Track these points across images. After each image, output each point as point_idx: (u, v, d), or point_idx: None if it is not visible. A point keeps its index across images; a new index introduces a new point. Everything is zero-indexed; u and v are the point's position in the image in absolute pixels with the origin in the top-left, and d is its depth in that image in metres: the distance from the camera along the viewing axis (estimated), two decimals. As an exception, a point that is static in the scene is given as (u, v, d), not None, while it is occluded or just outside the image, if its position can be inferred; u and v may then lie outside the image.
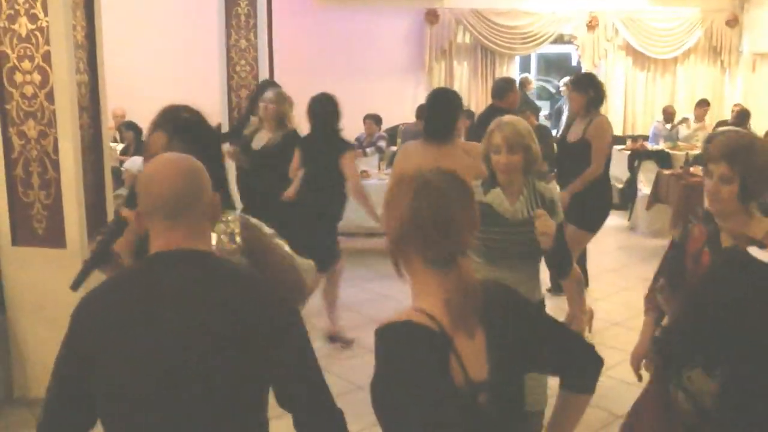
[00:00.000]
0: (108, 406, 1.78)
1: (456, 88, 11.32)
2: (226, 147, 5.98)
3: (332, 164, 5.39)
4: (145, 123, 3.09)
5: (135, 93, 7.50)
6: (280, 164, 5.72)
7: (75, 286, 2.15)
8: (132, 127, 8.87)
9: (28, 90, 4.48)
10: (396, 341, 1.73)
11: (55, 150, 4.49)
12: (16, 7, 4.41)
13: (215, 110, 7.80)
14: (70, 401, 1.80)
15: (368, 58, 11.12)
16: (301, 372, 1.86)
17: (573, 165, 5.83)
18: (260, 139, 6.10)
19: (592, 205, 5.82)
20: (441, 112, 4.58)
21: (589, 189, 5.76)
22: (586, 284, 6.72)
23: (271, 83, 7.23)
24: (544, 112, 13.04)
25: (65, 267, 4.54)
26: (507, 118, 3.28)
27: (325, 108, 5.51)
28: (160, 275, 1.81)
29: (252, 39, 8.36)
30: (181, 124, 2.56)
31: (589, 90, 5.79)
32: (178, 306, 1.75)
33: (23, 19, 4.42)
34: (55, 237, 4.57)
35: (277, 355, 1.79)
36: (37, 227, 4.61)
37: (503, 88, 6.81)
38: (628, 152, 10.62)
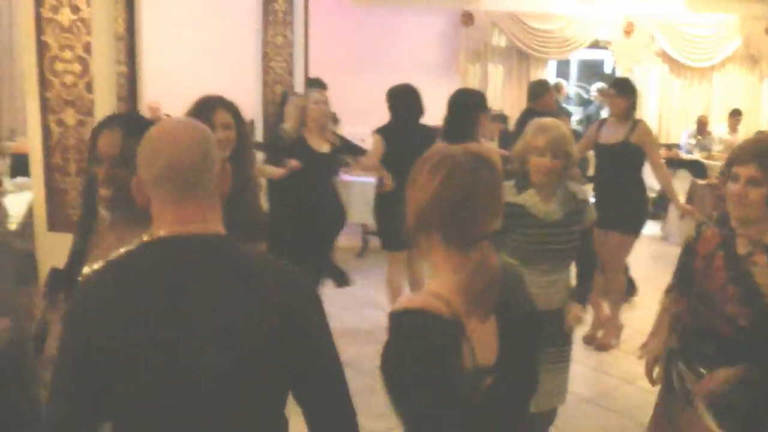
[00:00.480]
0: (120, 405, 1.63)
1: (490, 91, 11.32)
2: (291, 161, 5.52)
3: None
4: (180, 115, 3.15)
5: (171, 86, 7.52)
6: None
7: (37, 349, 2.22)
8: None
9: (69, 79, 4.56)
10: (409, 329, 1.73)
11: (94, 139, 4.56)
12: (60, -2, 4.50)
13: (250, 105, 7.86)
14: (75, 400, 1.63)
15: (402, 59, 11.13)
16: (322, 366, 1.73)
17: (612, 167, 5.79)
18: (319, 145, 5.69)
19: (633, 209, 5.79)
20: (458, 113, 4.61)
21: (629, 192, 5.74)
22: (634, 292, 6.67)
23: (317, 82, 7.22)
24: (576, 117, 12.98)
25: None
26: (549, 121, 3.27)
27: (411, 99, 5.58)
28: (176, 262, 1.63)
29: (288, 35, 8.42)
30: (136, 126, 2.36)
31: (631, 94, 5.77)
32: (199, 297, 1.60)
33: (66, 10, 4.49)
34: (90, 224, 4.64)
35: (301, 348, 1.66)
36: (73, 214, 4.68)
37: (537, 90, 6.85)
38: (662, 161, 10.53)
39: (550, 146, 3.13)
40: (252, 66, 8.55)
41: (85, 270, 2.37)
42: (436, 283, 1.81)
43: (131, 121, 2.39)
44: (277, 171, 5.52)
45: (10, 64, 7.93)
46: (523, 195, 3.18)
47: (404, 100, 5.59)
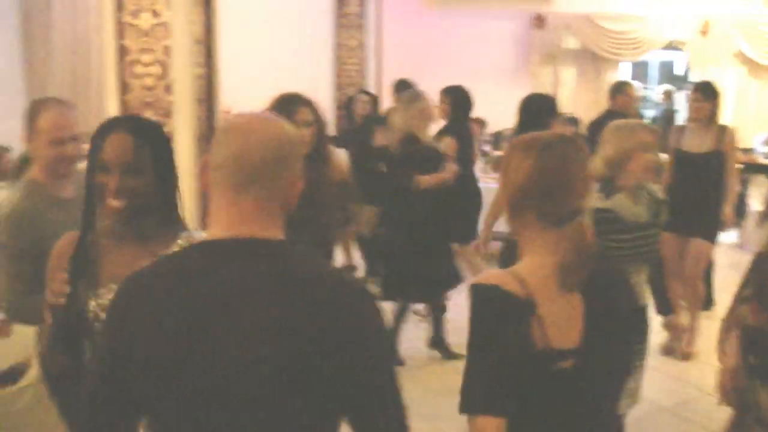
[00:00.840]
0: (155, 417, 1.54)
1: (561, 94, 11.20)
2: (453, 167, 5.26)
3: None
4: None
5: (246, 88, 7.64)
6: None
7: (50, 366, 2.04)
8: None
9: (148, 81, 4.67)
10: (480, 300, 1.83)
11: (170, 139, 4.65)
12: (141, 3, 4.60)
13: (322, 107, 7.91)
14: (112, 406, 1.57)
15: (473, 61, 11.07)
16: (376, 393, 1.54)
17: (699, 175, 5.63)
18: (446, 145, 5.46)
19: (715, 215, 5.67)
20: (530, 117, 4.58)
21: (715, 199, 5.62)
22: (711, 303, 6.52)
23: (405, 83, 7.20)
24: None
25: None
26: (635, 120, 3.28)
27: (470, 98, 5.61)
28: (223, 269, 1.48)
29: (361, 38, 8.47)
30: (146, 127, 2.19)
31: (716, 98, 5.61)
32: (245, 307, 1.45)
33: (146, 15, 4.61)
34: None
35: (354, 371, 1.48)
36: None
37: (612, 90, 6.85)
38: (741, 166, 10.27)
39: (653, 142, 3.14)
40: (325, 68, 8.62)
41: (95, 298, 2.07)
42: (523, 263, 1.89)
43: (139, 124, 2.17)
44: (439, 178, 5.15)
45: (86, 67, 8.12)
46: (612, 199, 3.14)
47: (467, 99, 5.61)
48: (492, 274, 1.88)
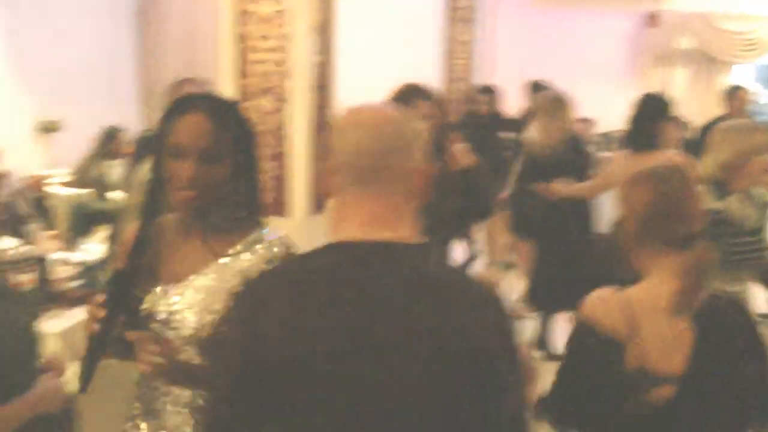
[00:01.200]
0: (292, 419, 1.41)
1: (673, 96, 10.90)
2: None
3: None
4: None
5: (360, 77, 7.66)
6: None
7: (83, 389, 1.76)
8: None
9: (266, 68, 4.77)
10: (575, 335, 2.04)
11: (286, 125, 4.76)
12: (260, -10, 4.72)
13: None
14: (239, 412, 1.45)
15: (582, 60, 10.90)
16: (499, 399, 1.42)
17: None
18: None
19: None
20: (643, 120, 4.48)
21: None
22: None
23: (540, 84, 7.14)
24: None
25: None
26: (748, 121, 3.19)
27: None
28: (356, 273, 1.41)
29: (472, 33, 8.45)
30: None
31: None
32: (376, 315, 1.37)
33: (265, 2, 4.71)
34: (280, 207, 4.85)
35: (491, 380, 1.39)
36: (265, 196, 4.89)
37: (726, 94, 6.69)
38: None
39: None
40: (434, 61, 8.62)
41: (152, 296, 1.89)
42: (639, 285, 2.03)
43: (218, 105, 1.89)
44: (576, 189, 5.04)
45: (199, 55, 8.32)
46: (725, 201, 3.06)
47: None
48: (596, 297, 2.03)
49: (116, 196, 5.94)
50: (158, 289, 1.89)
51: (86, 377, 1.73)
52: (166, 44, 8.18)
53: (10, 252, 4.27)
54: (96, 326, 1.74)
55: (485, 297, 1.48)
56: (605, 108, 10.40)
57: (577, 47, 10.97)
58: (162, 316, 1.86)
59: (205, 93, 1.94)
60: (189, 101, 1.86)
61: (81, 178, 6.45)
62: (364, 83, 7.61)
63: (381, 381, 1.35)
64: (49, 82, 7.04)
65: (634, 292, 1.99)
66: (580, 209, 5.17)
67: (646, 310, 1.93)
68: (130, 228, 1.93)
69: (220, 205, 1.86)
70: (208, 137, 1.79)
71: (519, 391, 1.49)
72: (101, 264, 4.14)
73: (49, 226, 5.76)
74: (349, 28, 5.23)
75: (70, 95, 7.15)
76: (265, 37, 4.73)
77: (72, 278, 3.94)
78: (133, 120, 7.65)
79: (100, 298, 1.75)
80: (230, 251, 1.88)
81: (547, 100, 5.26)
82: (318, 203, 4.86)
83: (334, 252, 1.47)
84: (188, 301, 1.85)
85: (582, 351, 1.99)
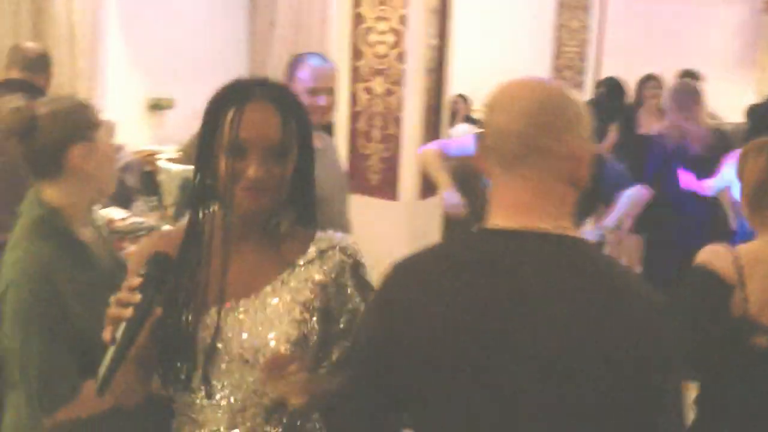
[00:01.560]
0: (435, 409, 1.36)
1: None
2: None
3: None
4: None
5: (471, 61, 7.60)
6: None
7: (102, 391, 1.38)
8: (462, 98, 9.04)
9: (381, 49, 4.75)
10: (687, 276, 2.22)
11: (399, 107, 4.74)
12: (377, -29, 4.71)
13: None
14: (376, 403, 1.44)
15: (693, 50, 10.55)
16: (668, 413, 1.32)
17: None
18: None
19: None
20: (758, 123, 4.32)
21: None
22: None
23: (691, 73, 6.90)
24: None
25: (394, 218, 4.83)
26: None
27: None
28: (509, 264, 1.30)
29: (584, 19, 8.28)
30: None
31: None
32: (549, 306, 1.27)
33: (383, -17, 4.71)
34: (388, 189, 4.84)
35: (653, 397, 1.28)
36: (372, 178, 4.89)
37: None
38: None
39: None
40: (543, 48, 8.48)
41: (221, 310, 1.61)
42: (753, 242, 2.23)
43: (283, 94, 1.65)
44: None
45: (306, 40, 8.38)
46: None
47: None
48: (709, 249, 2.21)
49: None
50: (223, 303, 1.60)
51: (108, 377, 1.36)
52: (276, 25, 8.26)
53: (124, 222, 4.39)
54: (127, 312, 1.38)
55: (656, 304, 1.32)
56: (717, 99, 10.05)
57: (690, 36, 10.62)
58: (229, 333, 1.59)
59: (263, 79, 1.64)
60: (248, 88, 1.60)
61: (188, 156, 6.57)
62: (473, 68, 7.58)
63: (526, 382, 1.26)
64: (162, 61, 7.21)
65: (746, 247, 2.19)
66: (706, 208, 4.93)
67: (754, 264, 2.11)
68: (160, 238, 1.77)
69: (281, 209, 1.64)
70: (278, 130, 1.55)
71: (680, 414, 1.34)
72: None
73: (157, 200, 5.91)
74: (464, 12, 5.16)
75: (181, 74, 7.30)
76: (381, 18, 4.72)
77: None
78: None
79: (135, 281, 1.42)
80: (301, 259, 1.65)
81: (681, 92, 5.05)
82: (428, 187, 4.83)
83: (482, 240, 1.38)
84: (261, 318, 1.60)
85: (693, 291, 2.17)
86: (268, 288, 1.62)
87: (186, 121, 6.81)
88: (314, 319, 1.63)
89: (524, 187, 1.33)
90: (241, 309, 1.61)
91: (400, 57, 4.68)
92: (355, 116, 4.91)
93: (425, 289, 1.36)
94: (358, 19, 4.80)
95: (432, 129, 4.87)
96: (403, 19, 4.64)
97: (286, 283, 1.63)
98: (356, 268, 1.69)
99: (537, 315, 1.26)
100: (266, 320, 1.59)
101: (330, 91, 3.04)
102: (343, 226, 3.20)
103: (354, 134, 4.92)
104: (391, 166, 4.82)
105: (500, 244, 1.33)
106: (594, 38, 8.37)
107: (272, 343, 1.57)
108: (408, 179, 4.78)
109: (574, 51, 8.37)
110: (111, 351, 1.37)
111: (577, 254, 1.33)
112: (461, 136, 6.84)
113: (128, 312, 1.38)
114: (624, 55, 9.44)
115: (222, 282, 1.60)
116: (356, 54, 4.84)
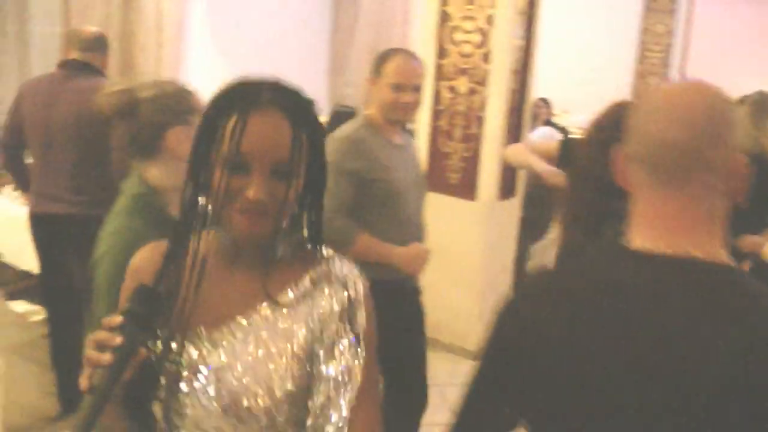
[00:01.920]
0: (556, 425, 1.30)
1: None
2: None
3: None
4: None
5: (555, 61, 7.50)
6: None
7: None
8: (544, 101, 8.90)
9: (466, 49, 4.75)
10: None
11: (482, 107, 4.73)
12: (469, -29, 4.71)
13: (618, 95, 7.64)
14: (494, 412, 1.40)
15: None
16: None
17: None
18: None
19: None
20: None
21: None
22: None
23: None
24: None
25: (472, 218, 4.83)
26: None
27: None
28: (659, 289, 1.19)
29: (669, 24, 8.12)
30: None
31: None
32: (690, 337, 1.15)
33: (474, -17, 4.70)
34: (467, 189, 4.84)
35: None
36: (451, 177, 4.90)
37: None
38: None
39: None
40: (627, 53, 8.34)
41: (196, 339, 1.38)
42: None
43: (295, 100, 1.38)
44: None
45: (387, 36, 8.40)
46: None
47: None
48: None
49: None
50: (195, 336, 1.37)
51: (88, 427, 1.15)
52: (359, 20, 8.31)
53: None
54: (107, 357, 1.18)
55: None
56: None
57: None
58: (205, 371, 1.34)
59: (274, 81, 1.37)
60: (255, 91, 1.34)
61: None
62: (554, 71, 7.50)
63: (653, 418, 1.16)
64: (244, 53, 7.30)
65: None
66: None
67: None
68: (147, 253, 1.50)
69: (284, 231, 1.40)
70: (287, 145, 1.31)
71: None
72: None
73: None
74: (550, 13, 5.12)
75: (262, 67, 7.37)
76: (468, 18, 4.72)
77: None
78: (322, 94, 7.85)
79: (115, 319, 1.22)
80: (292, 290, 1.39)
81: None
82: (507, 188, 4.83)
83: (625, 262, 1.25)
84: (238, 358, 1.34)
85: None
86: (247, 321, 1.36)
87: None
88: (297, 363, 1.34)
89: (679, 205, 1.20)
90: (213, 343, 1.36)
91: (485, 57, 4.67)
92: (437, 114, 4.93)
93: (559, 307, 1.28)
94: (444, 17, 4.81)
95: (513, 130, 4.85)
96: (490, 19, 4.63)
97: (271, 319, 1.37)
98: (353, 306, 1.39)
99: (676, 349, 1.15)
100: (244, 362, 1.33)
101: (416, 89, 3.04)
102: (417, 225, 3.20)
103: (435, 132, 4.94)
104: (471, 166, 4.82)
105: (645, 269, 1.21)
106: (679, 43, 8.19)
107: (247, 391, 1.31)
108: (487, 179, 4.78)
109: (658, 56, 8.20)
110: (89, 400, 1.16)
111: (728, 286, 1.18)
112: (543, 139, 6.80)
113: (107, 358, 1.18)
114: (709, 63, 9.23)
115: (193, 311, 1.36)
116: (441, 52, 4.86)
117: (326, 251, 1.45)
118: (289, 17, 7.91)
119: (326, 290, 1.39)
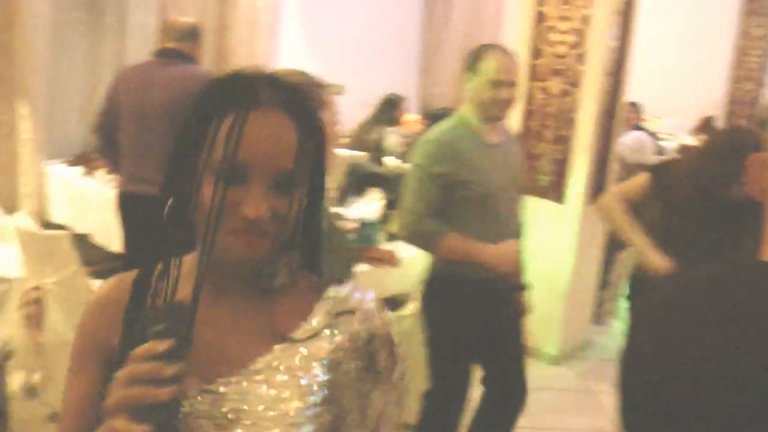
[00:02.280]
0: None
1: None
2: None
3: None
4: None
5: (649, 65, 7.32)
6: None
7: None
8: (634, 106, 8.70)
9: (560, 49, 4.71)
10: None
11: (574, 109, 4.68)
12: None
13: (712, 100, 7.49)
14: None
15: None
16: None
17: None
18: None
19: None
20: None
21: None
22: None
23: None
24: None
25: (559, 221, 4.79)
26: None
27: None
28: None
29: (769, 27, 7.85)
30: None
31: None
32: None
33: (568, -17, 4.65)
34: (556, 191, 4.80)
35: None
36: (540, 179, 4.87)
37: None
38: None
39: None
40: (722, 58, 8.11)
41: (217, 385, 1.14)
42: None
43: (302, 102, 1.17)
44: None
45: (479, 32, 8.38)
46: None
47: None
48: None
49: (391, 161, 6.14)
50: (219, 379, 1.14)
51: None
52: (451, 20, 8.31)
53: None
54: (164, 393, 0.96)
55: None
56: None
57: None
58: (231, 415, 1.12)
59: (274, 76, 1.16)
60: (254, 88, 1.12)
61: (357, 141, 6.71)
62: (646, 74, 7.33)
63: None
64: (336, 48, 7.39)
65: None
66: None
67: None
68: (112, 288, 1.24)
69: (282, 251, 1.18)
70: (291, 152, 1.11)
71: None
72: (376, 224, 4.29)
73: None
74: (645, 14, 5.02)
75: (353, 62, 7.46)
76: (564, 18, 4.67)
77: (349, 232, 4.12)
78: (412, 91, 7.88)
79: (163, 344, 0.97)
80: (305, 328, 1.19)
81: None
82: (596, 192, 4.77)
83: (753, 273, 1.14)
84: (247, 410, 1.12)
85: None
86: (255, 366, 1.15)
87: (353, 108, 6.99)
88: (316, 410, 1.15)
89: None
90: (215, 394, 1.13)
91: (580, 58, 4.62)
92: (528, 115, 4.90)
93: (697, 315, 1.21)
94: (540, 17, 4.78)
95: (605, 134, 4.80)
96: (586, 20, 4.58)
97: (282, 361, 1.16)
98: (373, 342, 1.21)
99: None
100: (252, 415, 1.12)
101: (512, 85, 3.02)
102: (512, 225, 3.18)
103: (526, 134, 4.91)
104: (561, 169, 4.78)
105: None
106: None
107: None
108: (577, 182, 4.73)
109: (756, 61, 7.92)
110: None
111: None
112: (633, 143, 6.68)
113: (165, 393, 0.96)
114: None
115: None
116: (535, 52, 4.83)
117: (342, 282, 1.25)
118: (380, 16, 7.97)
119: (342, 325, 1.19)
